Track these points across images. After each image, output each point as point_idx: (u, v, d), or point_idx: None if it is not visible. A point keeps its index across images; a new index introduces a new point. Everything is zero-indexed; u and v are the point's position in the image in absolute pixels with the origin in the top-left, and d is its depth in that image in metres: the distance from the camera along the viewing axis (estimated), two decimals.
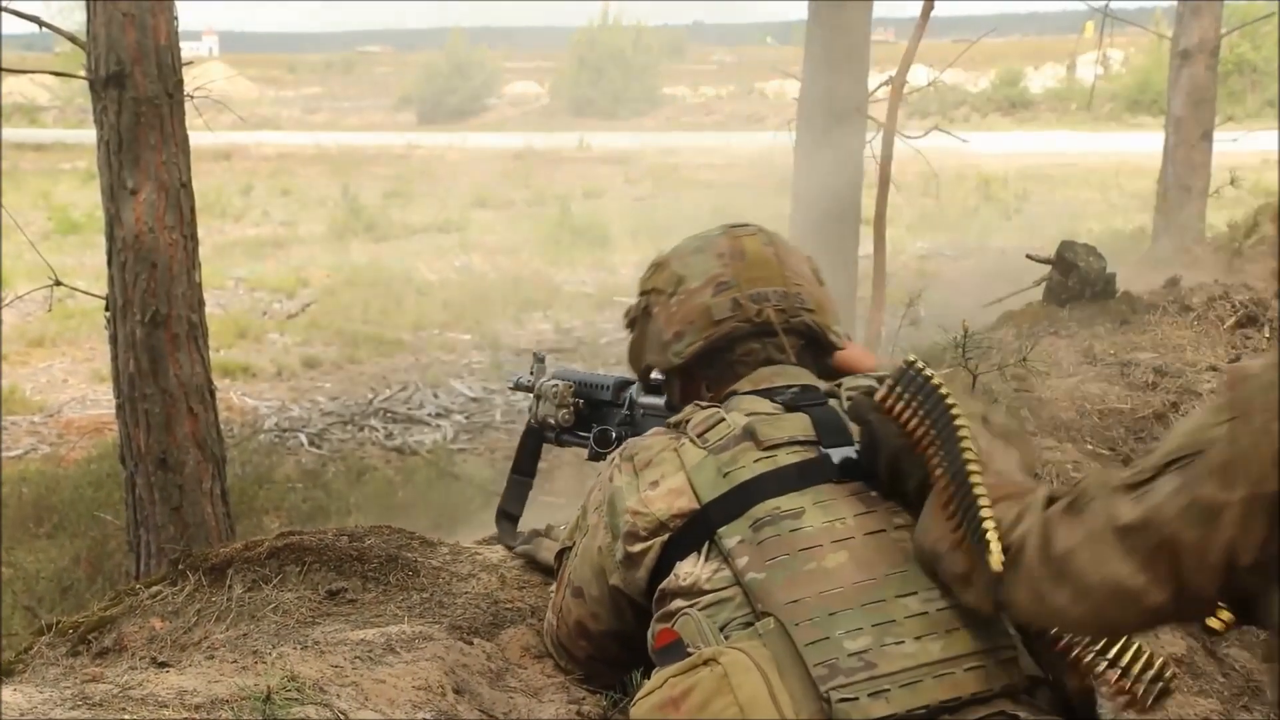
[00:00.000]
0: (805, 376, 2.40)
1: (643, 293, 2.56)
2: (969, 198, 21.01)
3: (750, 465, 2.15)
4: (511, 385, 3.32)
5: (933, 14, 6.25)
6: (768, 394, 2.32)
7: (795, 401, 2.28)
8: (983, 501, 1.83)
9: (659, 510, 2.16)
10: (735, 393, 2.36)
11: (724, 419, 2.24)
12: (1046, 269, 5.89)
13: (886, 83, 5.64)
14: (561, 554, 2.48)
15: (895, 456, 2.06)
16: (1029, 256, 6.32)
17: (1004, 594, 1.81)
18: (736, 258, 2.46)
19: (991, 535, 1.79)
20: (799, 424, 2.22)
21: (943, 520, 1.92)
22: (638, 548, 2.18)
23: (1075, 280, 5.59)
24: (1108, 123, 35.15)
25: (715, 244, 2.49)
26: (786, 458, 2.16)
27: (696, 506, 2.14)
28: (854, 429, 2.20)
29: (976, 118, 38.26)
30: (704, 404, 2.33)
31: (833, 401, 2.29)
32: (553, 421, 2.93)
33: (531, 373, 3.10)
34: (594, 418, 2.91)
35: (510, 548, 2.97)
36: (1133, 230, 14.78)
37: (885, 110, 5.99)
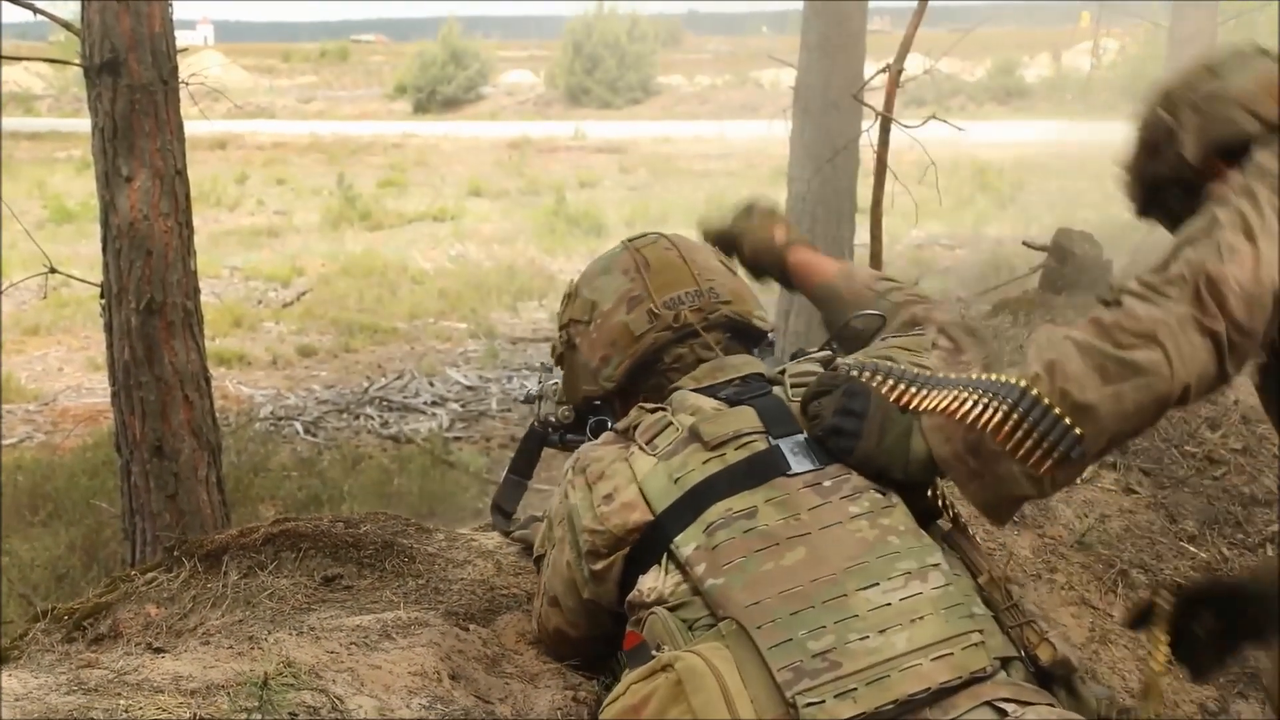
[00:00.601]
0: (749, 365, 2.40)
1: (561, 327, 2.57)
2: (965, 187, 21.02)
3: (700, 467, 2.14)
4: (523, 399, 3.34)
5: (929, 3, 6.24)
6: (710, 391, 2.31)
7: (738, 396, 2.27)
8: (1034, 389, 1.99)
9: (614, 526, 2.16)
10: (679, 389, 2.35)
11: (671, 422, 2.24)
12: (1042, 257, 5.89)
13: (883, 70, 5.62)
14: (538, 560, 2.48)
15: (886, 413, 2.10)
16: (1026, 244, 6.33)
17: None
18: (642, 269, 2.46)
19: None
20: (744, 418, 2.20)
21: (957, 422, 2.03)
22: (600, 565, 2.18)
23: (1072, 268, 5.60)
24: (1104, 112, 35.13)
25: (619, 261, 2.50)
26: (735, 454, 2.14)
27: (650, 518, 2.13)
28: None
29: (972, 107, 38.24)
30: (649, 406, 2.32)
31: (776, 389, 2.29)
32: (554, 420, 2.92)
33: (540, 382, 3.10)
34: (595, 412, 2.91)
35: (507, 533, 2.97)
36: (1128, 219, 14.76)
37: (881, 99, 5.98)
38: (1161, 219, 2.63)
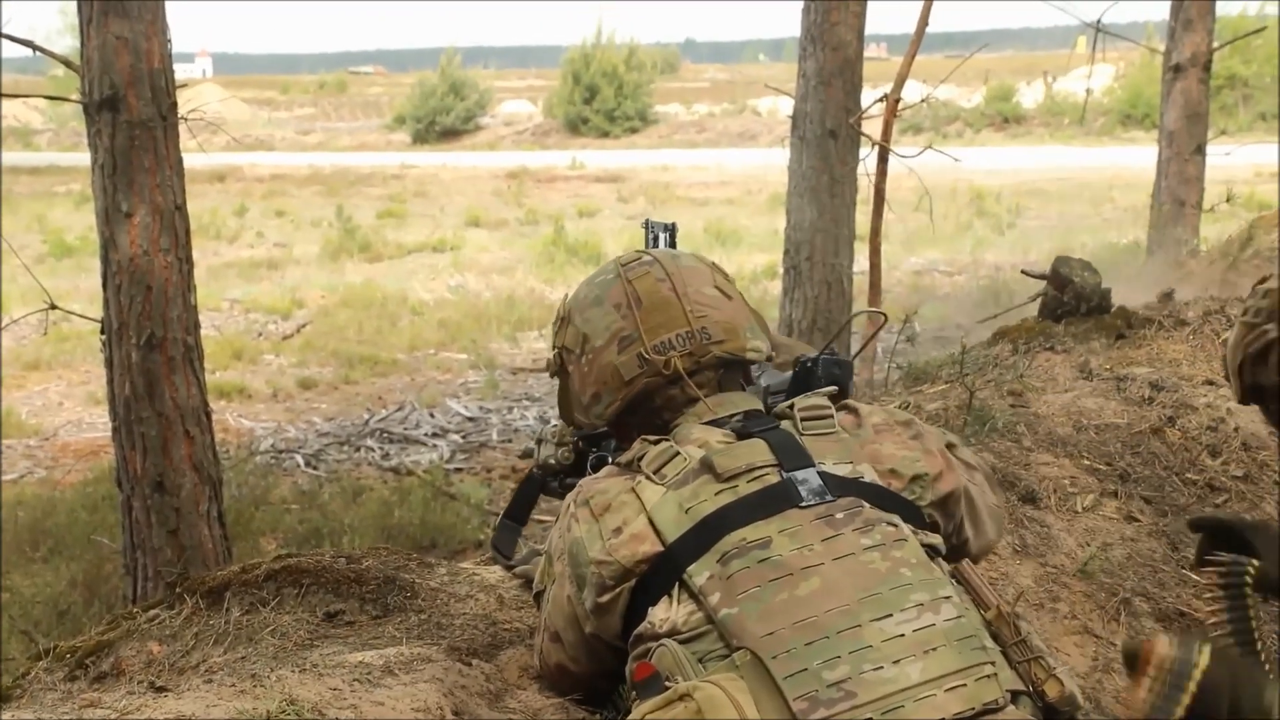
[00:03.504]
0: (748, 402, 2.39)
1: (556, 348, 2.54)
2: (963, 213, 21.07)
3: (712, 498, 2.13)
4: (520, 455, 3.33)
5: (925, 30, 6.26)
6: (714, 424, 2.31)
7: (747, 428, 2.27)
8: None
9: (623, 557, 2.14)
10: (680, 425, 2.35)
11: (679, 453, 2.22)
12: (1041, 284, 5.89)
13: (881, 99, 5.64)
14: (538, 596, 2.47)
15: None
16: (1024, 272, 6.33)
17: None
18: (634, 306, 2.41)
19: None
20: (756, 450, 2.20)
21: None
22: (606, 597, 2.16)
23: (1070, 295, 5.59)
24: (1100, 137, 35.29)
25: (611, 292, 2.44)
26: (747, 486, 2.14)
27: (660, 549, 2.12)
28: (812, 450, 2.20)
29: (970, 133, 38.40)
30: (652, 439, 2.31)
31: (785, 424, 2.28)
32: (553, 462, 2.90)
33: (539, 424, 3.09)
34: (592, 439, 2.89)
35: (509, 568, 2.97)
36: (1127, 244, 14.80)
37: (878, 126, 6.00)
38: (1264, 409, 2.65)
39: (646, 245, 2.98)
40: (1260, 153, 16.34)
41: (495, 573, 2.98)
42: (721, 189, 27.09)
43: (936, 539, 2.17)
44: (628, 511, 2.18)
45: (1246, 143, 14.56)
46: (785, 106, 8.50)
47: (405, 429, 10.49)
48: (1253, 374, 2.50)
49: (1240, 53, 27.64)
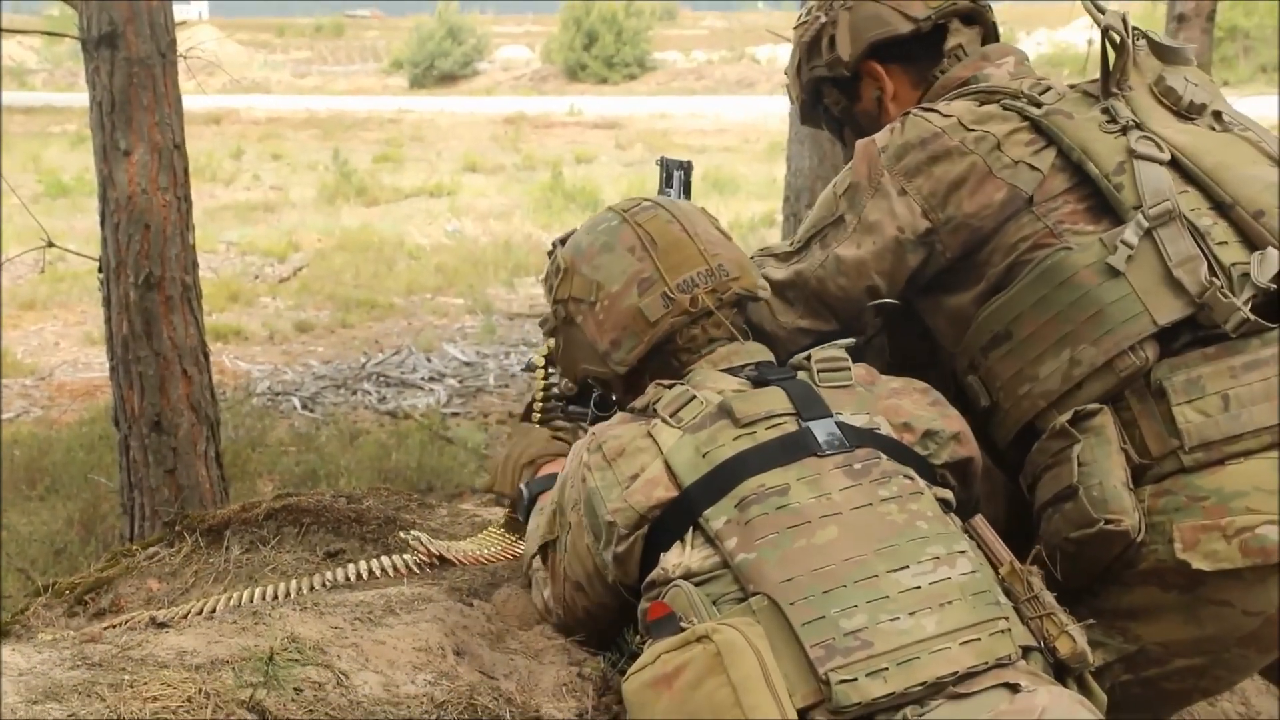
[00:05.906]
0: (761, 353, 2.38)
1: (557, 301, 2.49)
2: None
3: (730, 443, 2.11)
4: (523, 368, 3.31)
5: None
6: (729, 373, 2.29)
7: (763, 376, 2.25)
8: None
9: (637, 503, 2.12)
10: (693, 371, 2.33)
11: (695, 396, 2.21)
12: None
13: None
14: (545, 547, 2.42)
15: None
16: None
17: None
18: (650, 247, 2.39)
19: None
20: (775, 398, 2.18)
21: None
22: (622, 547, 2.15)
23: None
24: None
25: (621, 237, 2.42)
26: (766, 433, 2.12)
27: (675, 494, 2.11)
28: (830, 401, 2.19)
29: None
30: (666, 383, 2.29)
31: (802, 374, 2.26)
32: (557, 391, 2.90)
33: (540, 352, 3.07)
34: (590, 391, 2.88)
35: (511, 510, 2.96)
36: None
37: None
38: (822, 123, 2.75)
39: (661, 183, 2.96)
40: (1261, 105, 16.29)
41: (495, 514, 2.98)
42: (719, 136, 26.97)
43: (948, 494, 2.16)
44: (644, 457, 2.17)
45: (1247, 95, 14.53)
46: (785, 53, 8.44)
47: (402, 373, 10.48)
48: (810, 70, 2.74)
49: (1243, 4, 27.52)
